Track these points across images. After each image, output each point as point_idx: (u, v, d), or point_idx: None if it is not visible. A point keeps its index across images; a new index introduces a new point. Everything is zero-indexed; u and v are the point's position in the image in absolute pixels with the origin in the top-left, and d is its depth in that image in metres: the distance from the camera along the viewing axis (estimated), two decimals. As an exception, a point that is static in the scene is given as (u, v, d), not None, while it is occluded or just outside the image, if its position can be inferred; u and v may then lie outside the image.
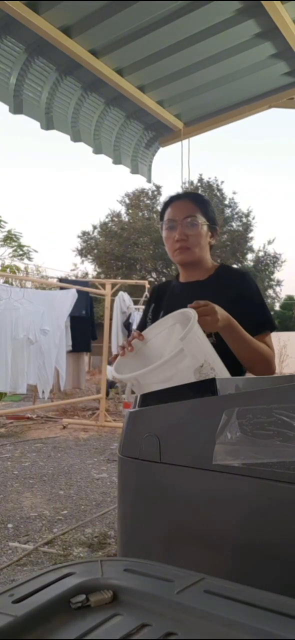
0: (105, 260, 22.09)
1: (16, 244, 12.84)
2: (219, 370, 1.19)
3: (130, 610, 0.46)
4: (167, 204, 1.66)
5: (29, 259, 12.82)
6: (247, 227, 23.74)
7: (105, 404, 7.27)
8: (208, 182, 23.99)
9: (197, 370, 1.09)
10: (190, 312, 1.22)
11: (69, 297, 6.65)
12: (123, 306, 7.97)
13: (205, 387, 0.87)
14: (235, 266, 1.87)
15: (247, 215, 23.78)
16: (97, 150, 2.99)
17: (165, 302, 1.63)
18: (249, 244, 23.98)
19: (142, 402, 0.88)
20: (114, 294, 7.47)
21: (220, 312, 1.32)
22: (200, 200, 1.65)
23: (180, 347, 1.05)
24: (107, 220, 23.51)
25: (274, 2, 2.10)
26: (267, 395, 0.72)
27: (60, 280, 7.73)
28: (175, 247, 1.59)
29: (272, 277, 24.26)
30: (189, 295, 1.35)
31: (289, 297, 26.95)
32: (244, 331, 1.42)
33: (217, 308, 1.31)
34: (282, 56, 2.52)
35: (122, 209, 24.08)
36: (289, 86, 2.77)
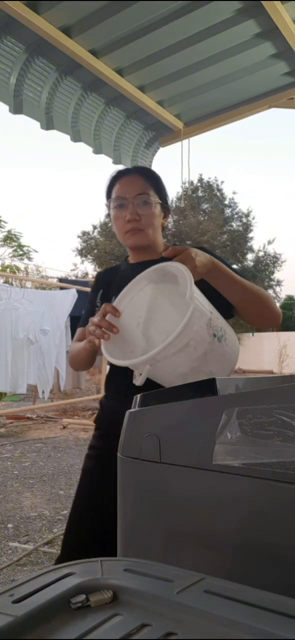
0: (105, 260, 22.08)
1: (16, 244, 12.85)
2: (220, 316, 1.14)
3: (130, 610, 0.46)
4: (114, 180, 1.48)
5: (29, 259, 12.84)
6: (247, 227, 23.74)
7: (105, 404, 7.26)
8: (208, 182, 23.99)
9: (208, 324, 1.04)
10: (176, 267, 1.10)
11: (69, 297, 6.66)
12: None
13: (205, 387, 0.87)
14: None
15: (247, 215, 23.77)
16: (97, 150, 2.99)
17: (116, 286, 1.47)
18: (249, 244, 23.98)
19: (142, 402, 0.88)
20: (114, 294, 7.45)
21: (200, 257, 1.19)
22: (153, 176, 1.49)
23: (192, 308, 0.99)
24: (107, 220, 23.49)
25: (274, 2, 2.10)
26: (267, 395, 0.72)
27: (60, 280, 7.74)
28: (126, 229, 1.43)
29: (272, 277, 24.25)
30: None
31: (289, 297, 26.95)
32: (234, 273, 1.30)
33: (195, 253, 1.18)
34: (282, 56, 2.52)
35: (122, 209, 24.03)
36: (289, 86, 2.76)
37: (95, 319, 1.20)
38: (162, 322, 1.20)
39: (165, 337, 1.04)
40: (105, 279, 1.59)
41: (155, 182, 1.48)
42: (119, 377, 1.41)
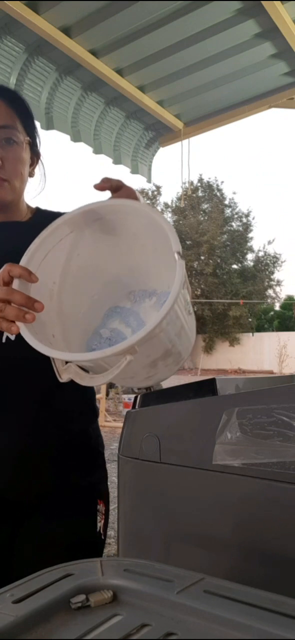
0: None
1: (16, 244, 12.85)
2: None
3: (130, 610, 0.46)
4: None
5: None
6: (247, 227, 23.77)
7: (105, 404, 7.28)
8: (208, 182, 24.02)
9: (184, 287, 0.75)
10: (137, 208, 0.79)
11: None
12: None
13: (205, 387, 0.87)
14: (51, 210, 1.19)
15: (247, 215, 23.82)
16: (97, 150, 2.99)
17: None
18: (249, 244, 24.01)
19: (142, 402, 0.88)
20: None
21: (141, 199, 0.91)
22: (19, 103, 1.07)
23: (183, 262, 0.71)
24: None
25: (274, 2, 2.10)
26: (267, 395, 0.72)
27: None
28: None
29: (272, 277, 24.29)
30: (7, 238, 0.98)
31: (289, 297, 26.98)
32: None
33: (138, 192, 0.90)
34: (282, 56, 2.53)
35: (122, 209, 24.06)
36: (289, 86, 2.77)
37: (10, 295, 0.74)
38: (79, 292, 0.87)
39: (82, 318, 0.80)
40: None
41: (22, 112, 1.07)
42: None
